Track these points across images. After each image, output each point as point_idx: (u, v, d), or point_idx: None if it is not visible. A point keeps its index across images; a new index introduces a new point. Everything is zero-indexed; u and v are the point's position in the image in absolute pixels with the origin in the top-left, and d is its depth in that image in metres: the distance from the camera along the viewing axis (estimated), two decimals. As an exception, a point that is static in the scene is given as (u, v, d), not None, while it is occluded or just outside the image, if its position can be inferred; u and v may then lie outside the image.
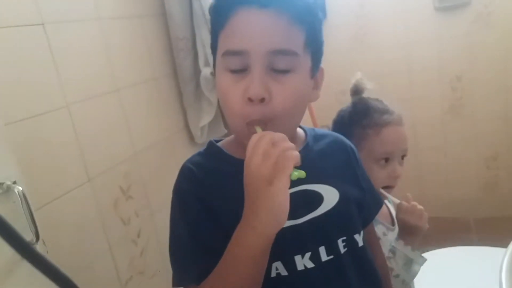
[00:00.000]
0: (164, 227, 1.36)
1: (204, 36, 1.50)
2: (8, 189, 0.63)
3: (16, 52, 0.94)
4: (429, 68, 2.27)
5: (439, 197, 2.35)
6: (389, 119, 1.08)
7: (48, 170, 0.99)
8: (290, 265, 0.66)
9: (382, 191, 1.06)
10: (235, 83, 0.64)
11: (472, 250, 1.61)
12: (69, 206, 1.03)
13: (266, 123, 0.64)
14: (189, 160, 0.74)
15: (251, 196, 0.56)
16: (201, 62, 1.53)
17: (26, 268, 0.60)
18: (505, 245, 1.00)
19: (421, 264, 1.02)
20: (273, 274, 0.66)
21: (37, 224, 0.67)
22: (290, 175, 0.53)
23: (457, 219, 2.35)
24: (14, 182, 0.64)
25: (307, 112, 2.01)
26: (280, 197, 0.53)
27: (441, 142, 2.36)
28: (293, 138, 0.74)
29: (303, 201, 0.68)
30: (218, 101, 1.57)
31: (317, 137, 0.79)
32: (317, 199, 0.70)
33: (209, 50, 1.49)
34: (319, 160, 0.75)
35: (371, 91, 1.14)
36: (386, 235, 1.06)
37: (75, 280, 0.71)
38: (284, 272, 0.66)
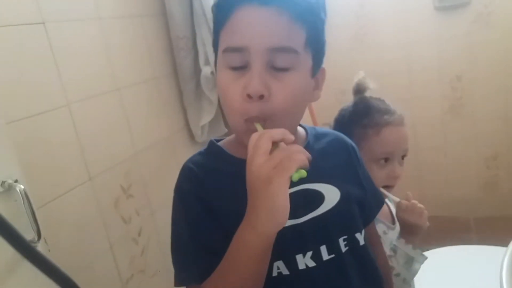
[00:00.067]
0: (164, 226, 1.36)
1: (204, 35, 1.50)
2: (10, 188, 0.63)
3: (17, 51, 0.94)
4: (429, 68, 2.27)
5: (439, 196, 2.35)
6: (389, 119, 1.08)
7: (48, 169, 0.99)
8: (291, 264, 0.66)
9: (382, 190, 1.06)
10: (235, 80, 0.64)
11: (472, 249, 1.61)
12: (70, 205, 1.03)
13: (265, 120, 0.64)
14: (190, 160, 0.74)
15: (251, 195, 0.56)
16: (201, 61, 1.53)
17: (27, 267, 0.60)
18: (505, 244, 1.00)
19: (422, 262, 1.02)
20: (275, 273, 0.66)
21: (39, 222, 0.67)
22: (291, 176, 0.53)
23: (457, 218, 2.35)
24: (16, 181, 0.64)
25: (307, 112, 2.01)
26: (279, 197, 0.53)
27: (441, 141, 2.36)
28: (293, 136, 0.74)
29: (304, 200, 0.68)
30: (219, 100, 1.57)
31: (318, 136, 0.79)
32: (318, 198, 0.70)
33: (209, 49, 1.50)
34: (320, 159, 0.74)
35: (373, 91, 1.14)
36: (387, 234, 1.06)
37: (76, 278, 0.71)
38: (285, 271, 0.66)
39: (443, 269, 1.41)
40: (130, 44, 1.34)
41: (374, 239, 0.83)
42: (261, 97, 0.62)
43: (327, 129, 0.85)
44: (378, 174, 1.06)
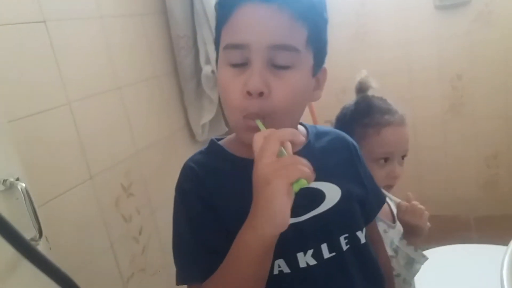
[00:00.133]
0: (165, 225, 1.37)
1: (205, 34, 1.50)
2: (11, 186, 0.63)
3: (18, 49, 0.94)
4: (429, 67, 2.27)
5: (439, 195, 2.35)
6: (390, 120, 1.07)
7: (49, 168, 0.99)
8: (292, 262, 0.66)
9: (383, 190, 1.06)
10: (235, 77, 0.64)
11: (472, 248, 1.62)
12: (71, 204, 1.04)
13: (264, 118, 0.63)
14: (191, 159, 0.74)
15: (254, 195, 0.57)
16: (202, 60, 1.53)
17: (27, 267, 0.60)
18: (505, 243, 1.00)
19: (423, 263, 1.03)
20: (276, 272, 0.66)
21: (40, 221, 0.67)
22: (292, 184, 0.52)
23: (457, 217, 2.35)
24: (17, 179, 0.64)
25: (307, 110, 2.01)
26: (276, 199, 0.52)
27: (441, 141, 2.36)
28: None
29: (305, 199, 0.67)
30: (219, 99, 1.57)
31: (319, 135, 0.79)
32: (319, 196, 0.70)
33: (210, 48, 1.50)
34: (321, 158, 0.75)
35: (375, 90, 1.14)
36: (387, 232, 1.07)
37: (77, 277, 0.71)
38: (286, 270, 0.66)
39: (444, 268, 1.41)
40: (130, 42, 1.34)
41: (375, 237, 0.83)
42: (261, 94, 0.62)
43: (328, 127, 0.85)
44: (377, 174, 1.06)
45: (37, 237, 0.66)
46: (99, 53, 1.19)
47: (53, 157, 1.00)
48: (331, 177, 0.72)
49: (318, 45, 0.68)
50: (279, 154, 0.55)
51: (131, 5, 1.35)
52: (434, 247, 1.53)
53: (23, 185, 0.64)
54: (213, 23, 1.45)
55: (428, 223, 1.03)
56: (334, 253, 0.68)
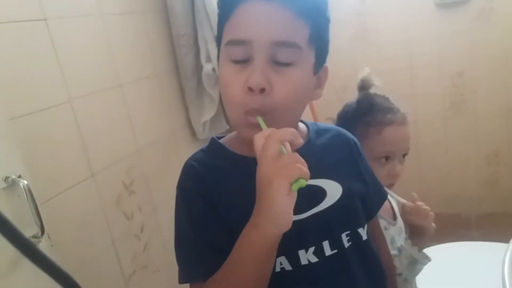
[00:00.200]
0: (167, 222, 1.37)
1: (206, 32, 1.50)
2: (14, 183, 0.64)
3: (19, 47, 0.94)
4: (430, 65, 2.27)
5: (440, 193, 2.35)
6: (392, 119, 1.07)
7: (50, 165, 0.99)
8: (293, 260, 0.67)
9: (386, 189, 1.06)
10: (237, 73, 0.64)
11: (473, 245, 1.62)
12: (72, 201, 1.04)
13: (265, 114, 0.64)
14: (192, 158, 0.74)
15: (257, 196, 0.57)
16: (203, 58, 1.53)
17: (28, 265, 0.60)
18: (506, 241, 1.00)
19: (425, 264, 1.03)
20: (278, 269, 0.66)
21: (42, 218, 0.67)
22: (292, 184, 0.52)
23: (458, 215, 2.35)
24: (19, 176, 0.65)
25: (307, 108, 2.01)
26: (278, 199, 0.52)
27: (442, 138, 2.36)
28: None
29: (306, 196, 0.67)
30: (220, 98, 1.57)
31: (320, 132, 0.79)
32: (320, 194, 0.70)
33: (211, 46, 1.50)
34: (322, 155, 0.75)
35: (378, 87, 1.14)
36: (388, 230, 1.07)
37: (78, 274, 0.71)
38: (288, 267, 0.66)
39: (445, 265, 1.41)
40: (131, 40, 1.34)
41: (377, 233, 0.83)
42: (262, 90, 0.62)
43: (329, 124, 0.85)
44: (378, 173, 1.05)
45: (39, 234, 0.67)
46: (100, 51, 1.19)
47: (55, 155, 1.00)
48: (332, 174, 0.72)
49: (320, 44, 0.68)
50: (280, 153, 0.55)
51: (131, 3, 1.35)
52: (435, 244, 1.54)
53: (25, 182, 0.65)
54: (214, 21, 1.46)
55: (433, 224, 1.02)
56: (336, 250, 0.68)
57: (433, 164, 2.39)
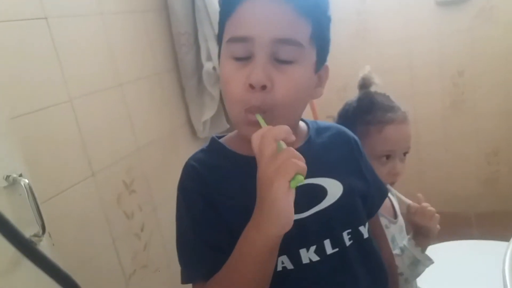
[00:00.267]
0: (167, 221, 1.37)
1: (206, 30, 1.50)
2: (15, 182, 0.64)
3: (19, 46, 0.94)
4: (430, 64, 2.27)
5: (440, 192, 2.35)
6: (392, 117, 1.07)
7: (51, 165, 0.99)
8: (295, 258, 0.66)
9: (389, 187, 1.06)
10: (238, 70, 0.64)
11: (473, 244, 1.62)
12: (73, 200, 1.04)
13: (265, 111, 0.63)
14: (192, 158, 0.74)
15: (258, 196, 0.57)
16: (203, 57, 1.53)
17: (28, 265, 0.60)
18: (505, 239, 1.00)
19: (427, 266, 1.03)
20: (279, 268, 0.66)
21: (43, 216, 0.67)
22: (290, 182, 0.53)
23: (458, 214, 2.35)
24: (20, 175, 0.65)
25: (308, 108, 2.01)
26: (279, 200, 0.52)
27: (442, 137, 2.36)
28: (295, 131, 0.74)
29: (307, 195, 0.68)
30: (221, 96, 1.57)
31: (320, 130, 0.79)
32: (321, 192, 0.70)
33: (211, 45, 1.50)
34: (322, 154, 0.75)
35: (378, 86, 1.14)
36: (388, 228, 1.06)
37: (79, 273, 0.72)
38: (290, 266, 0.66)
39: (445, 264, 1.41)
40: (132, 39, 1.34)
41: (378, 231, 0.83)
42: (263, 87, 0.62)
43: (329, 122, 0.85)
44: (379, 171, 1.05)
45: (40, 233, 0.66)
46: (100, 50, 1.19)
47: (55, 154, 1.00)
48: (333, 173, 0.72)
49: (321, 42, 0.68)
50: (277, 150, 0.55)
51: (132, 2, 1.35)
52: (435, 243, 1.53)
53: (26, 181, 0.65)
54: (214, 19, 1.46)
55: (438, 225, 1.02)
56: (337, 249, 0.68)
57: (433, 163, 2.39)
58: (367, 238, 0.73)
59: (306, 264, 0.66)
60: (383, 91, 1.16)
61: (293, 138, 0.56)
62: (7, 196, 0.63)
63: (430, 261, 1.02)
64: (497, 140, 2.28)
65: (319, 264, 0.67)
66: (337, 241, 0.69)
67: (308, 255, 0.67)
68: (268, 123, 0.61)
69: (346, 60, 2.16)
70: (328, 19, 0.69)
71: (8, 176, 0.63)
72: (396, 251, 1.01)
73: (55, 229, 0.82)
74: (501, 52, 2.14)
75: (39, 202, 0.67)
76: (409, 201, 1.06)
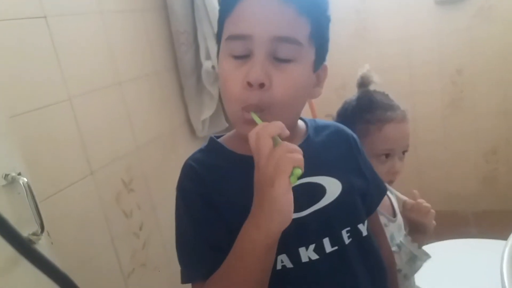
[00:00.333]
0: (166, 220, 1.37)
1: (205, 29, 1.50)
2: (13, 181, 0.63)
3: (18, 45, 0.94)
4: (429, 62, 2.27)
5: (438, 190, 2.36)
6: (392, 116, 1.07)
7: (50, 163, 0.99)
8: (294, 257, 0.67)
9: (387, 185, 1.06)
10: (237, 68, 0.64)
11: (471, 242, 1.62)
12: (71, 199, 1.04)
13: (263, 110, 0.63)
14: (191, 158, 0.74)
15: (257, 195, 0.57)
16: (202, 55, 1.53)
17: (28, 265, 0.60)
18: (504, 238, 1.00)
19: (425, 261, 1.03)
20: (279, 267, 0.66)
21: (42, 215, 0.67)
22: (290, 178, 0.53)
23: (456, 212, 2.35)
24: (19, 174, 0.65)
25: (307, 107, 2.01)
26: (281, 199, 0.53)
27: (441, 136, 2.36)
28: (293, 130, 0.74)
29: (306, 194, 0.68)
30: (220, 95, 1.57)
31: (318, 129, 0.79)
32: (320, 191, 0.70)
33: (210, 44, 1.50)
34: (321, 152, 0.75)
35: (377, 84, 1.14)
36: (387, 226, 1.07)
37: (78, 272, 0.71)
38: (289, 265, 0.66)
39: (443, 262, 1.42)
40: (131, 38, 1.34)
41: (377, 229, 0.83)
42: (262, 85, 0.62)
43: (328, 121, 0.85)
44: (378, 170, 1.05)
45: (39, 231, 0.66)
46: (100, 48, 1.19)
47: (54, 152, 1.00)
48: (331, 171, 0.72)
49: (320, 41, 0.68)
50: (274, 145, 0.56)
51: (131, 1, 1.35)
52: (434, 242, 1.54)
53: (25, 179, 0.64)
54: (213, 18, 1.46)
55: (434, 222, 1.03)
56: (336, 247, 0.68)
57: (431, 162, 2.40)
58: (366, 236, 0.73)
59: (306, 262, 0.66)
60: (382, 89, 1.16)
61: (287, 132, 0.57)
62: (6, 194, 0.63)
63: (427, 255, 1.02)
64: (495, 139, 2.28)
65: (318, 262, 0.67)
66: (336, 240, 0.69)
67: (308, 254, 0.67)
68: (265, 121, 0.61)
69: (345, 59, 2.16)
70: (327, 19, 0.69)
71: (7, 175, 0.63)
72: (393, 248, 1.02)
73: (53, 228, 0.82)
74: (499, 51, 2.14)
75: (38, 200, 0.67)
76: (404, 198, 1.07)
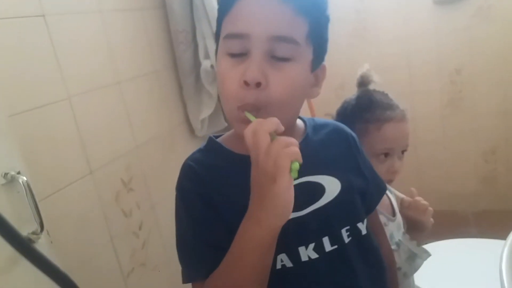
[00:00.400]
0: (165, 220, 1.37)
1: (204, 28, 1.50)
2: (13, 179, 0.64)
3: (17, 44, 0.94)
4: (428, 62, 2.27)
5: (438, 190, 2.36)
6: (391, 115, 1.07)
7: (49, 162, 0.99)
8: (294, 256, 0.67)
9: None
10: (234, 67, 0.64)
11: (471, 242, 1.62)
12: (71, 198, 1.04)
13: (259, 109, 0.63)
14: (190, 158, 0.74)
15: (257, 192, 0.57)
16: (201, 55, 1.53)
17: (27, 264, 0.60)
18: (503, 238, 1.00)
19: (425, 259, 1.03)
20: (279, 266, 0.66)
21: (41, 214, 0.67)
22: (290, 173, 0.54)
23: (455, 212, 2.36)
24: (18, 173, 0.65)
25: (306, 106, 2.01)
26: (284, 195, 0.54)
27: (440, 135, 2.36)
28: (292, 129, 0.74)
29: (305, 193, 0.68)
30: (218, 94, 1.57)
31: (317, 127, 0.78)
32: (319, 190, 0.70)
33: (209, 43, 1.50)
34: (320, 151, 0.75)
35: (377, 84, 1.14)
36: (387, 226, 1.07)
37: (77, 271, 0.71)
38: (289, 264, 0.67)
39: (442, 262, 1.42)
40: (130, 37, 1.34)
41: (377, 228, 0.84)
42: (258, 85, 0.62)
43: (326, 119, 0.85)
44: (378, 169, 1.05)
45: (39, 230, 0.66)
46: (99, 47, 1.19)
47: (53, 152, 1.00)
48: (330, 170, 0.72)
49: (318, 41, 0.68)
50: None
51: (130, 0, 1.35)
52: (433, 241, 1.54)
53: (24, 178, 0.64)
54: (212, 17, 1.46)
55: (431, 219, 1.03)
56: (336, 246, 0.68)
57: (431, 161, 2.40)
58: (365, 235, 0.73)
59: (305, 261, 0.67)
60: (381, 89, 1.16)
61: (282, 128, 0.57)
62: (5, 193, 0.63)
63: (427, 253, 1.02)
64: (495, 139, 2.28)
65: (318, 261, 0.67)
66: (335, 238, 0.69)
67: (307, 253, 0.67)
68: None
69: (344, 59, 2.16)
70: (326, 18, 0.69)
71: (6, 174, 0.63)
72: (392, 247, 1.02)
73: (53, 227, 0.82)
74: (498, 50, 2.14)
75: (37, 199, 0.67)
76: (402, 195, 1.07)
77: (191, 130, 1.64)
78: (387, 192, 1.12)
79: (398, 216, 1.12)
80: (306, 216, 0.68)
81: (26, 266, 0.59)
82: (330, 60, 0.74)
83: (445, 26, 2.19)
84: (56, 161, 1.01)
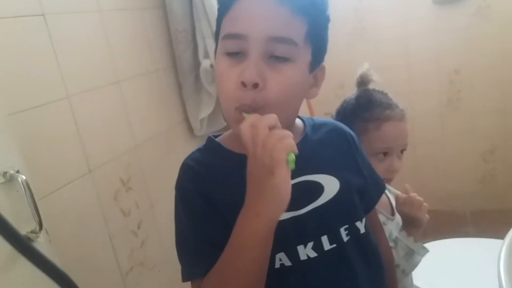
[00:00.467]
0: (164, 219, 1.37)
1: (203, 28, 1.50)
2: (12, 178, 0.63)
3: (17, 43, 0.93)
4: (427, 62, 2.27)
5: (436, 189, 2.36)
6: (390, 115, 1.08)
7: (48, 161, 0.99)
8: (293, 255, 0.67)
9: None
10: (232, 67, 0.64)
11: (469, 241, 1.63)
12: (70, 197, 1.04)
13: (257, 110, 0.63)
14: (189, 157, 0.75)
15: (255, 185, 0.57)
16: (200, 54, 1.53)
17: (27, 262, 0.60)
18: (501, 237, 1.01)
19: (423, 255, 1.03)
20: (277, 265, 0.66)
21: (40, 213, 0.67)
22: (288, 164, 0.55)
23: (453, 211, 2.36)
24: (17, 171, 0.64)
25: (305, 106, 2.01)
26: (283, 186, 0.55)
27: (438, 135, 2.37)
28: (290, 129, 0.74)
29: (304, 192, 0.68)
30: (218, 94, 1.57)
31: (316, 127, 0.79)
32: (318, 189, 0.70)
33: (208, 43, 1.50)
34: (319, 150, 0.75)
35: (377, 83, 1.14)
36: (386, 225, 1.07)
37: (76, 270, 0.71)
38: (287, 263, 0.67)
39: (441, 261, 1.42)
40: (129, 37, 1.34)
41: (376, 226, 0.84)
42: (255, 85, 0.62)
43: (325, 119, 0.85)
44: (377, 168, 1.05)
45: (37, 229, 0.66)
46: (98, 47, 1.19)
47: (52, 150, 1.00)
48: (329, 169, 0.72)
49: (317, 42, 0.68)
50: None
51: (130, -1, 1.35)
52: (431, 241, 1.54)
53: (23, 177, 0.64)
54: (211, 17, 1.46)
55: (426, 215, 1.03)
56: (334, 245, 0.69)
57: (429, 161, 2.40)
58: (364, 233, 0.73)
59: (304, 260, 0.67)
60: (381, 88, 1.16)
61: (279, 126, 0.58)
62: (4, 192, 0.63)
63: (424, 249, 1.03)
64: (493, 138, 2.29)
65: (317, 260, 0.67)
66: (334, 237, 0.69)
67: (306, 252, 0.67)
68: None
69: (343, 58, 2.16)
70: (326, 19, 0.69)
71: (5, 173, 0.63)
72: (390, 244, 1.02)
73: (52, 226, 0.82)
74: (497, 50, 2.14)
75: (36, 198, 0.67)
76: (397, 192, 1.07)
77: (190, 130, 1.64)
78: (386, 191, 1.13)
79: (397, 215, 1.12)
80: (305, 215, 0.68)
81: (25, 265, 0.59)
82: (329, 59, 0.74)
83: (444, 26, 2.19)
84: (55, 160, 1.00)
